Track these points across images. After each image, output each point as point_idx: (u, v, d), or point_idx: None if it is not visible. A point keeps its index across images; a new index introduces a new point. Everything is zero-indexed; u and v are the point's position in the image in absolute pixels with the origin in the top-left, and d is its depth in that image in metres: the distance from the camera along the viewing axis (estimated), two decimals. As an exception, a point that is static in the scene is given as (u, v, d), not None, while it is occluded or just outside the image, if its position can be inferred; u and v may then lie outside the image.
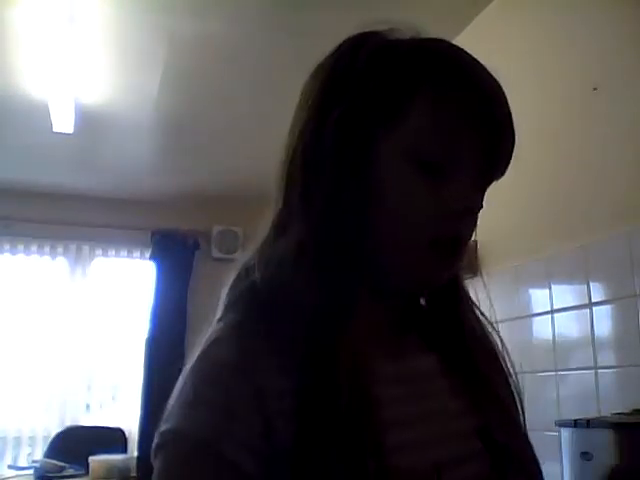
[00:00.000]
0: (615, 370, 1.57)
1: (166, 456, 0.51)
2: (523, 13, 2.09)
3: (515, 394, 0.65)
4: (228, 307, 0.60)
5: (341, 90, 0.59)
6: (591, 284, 1.66)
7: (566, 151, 1.81)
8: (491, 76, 0.60)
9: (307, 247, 0.57)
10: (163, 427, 0.52)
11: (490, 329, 0.67)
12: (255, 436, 0.49)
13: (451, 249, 0.58)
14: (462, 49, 0.62)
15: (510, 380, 0.66)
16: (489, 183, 0.63)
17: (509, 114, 0.60)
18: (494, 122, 0.59)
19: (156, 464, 0.51)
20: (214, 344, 0.55)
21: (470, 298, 0.68)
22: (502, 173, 0.63)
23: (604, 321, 1.62)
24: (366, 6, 2.14)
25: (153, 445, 0.52)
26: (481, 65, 0.61)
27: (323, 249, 0.56)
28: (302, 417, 0.50)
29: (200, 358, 0.54)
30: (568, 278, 1.76)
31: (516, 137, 0.61)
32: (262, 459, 0.49)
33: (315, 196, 0.58)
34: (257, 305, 0.57)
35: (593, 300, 1.64)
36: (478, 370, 0.64)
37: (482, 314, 0.68)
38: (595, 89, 1.69)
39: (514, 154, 0.62)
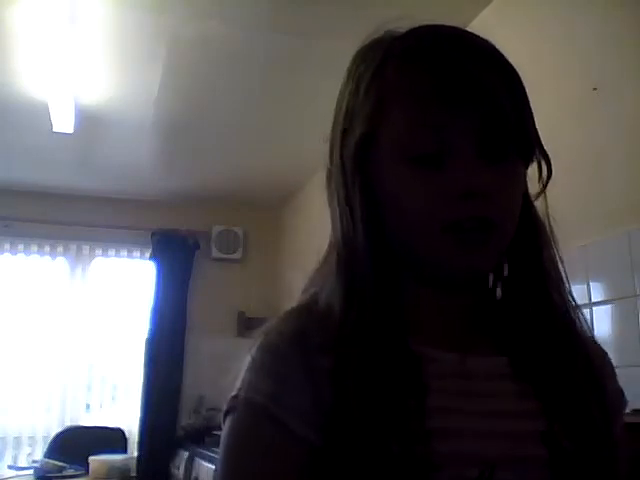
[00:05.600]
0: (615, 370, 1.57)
1: (230, 421, 0.58)
2: (523, 13, 2.09)
3: (601, 392, 0.62)
4: (302, 292, 0.67)
5: (345, 112, 0.64)
6: (591, 284, 1.66)
7: (566, 151, 1.81)
8: (465, 44, 0.61)
9: (340, 258, 0.62)
10: (232, 394, 0.59)
11: (580, 317, 0.66)
12: (306, 402, 0.55)
13: (472, 232, 0.58)
14: (437, 32, 0.64)
15: (595, 375, 0.63)
16: (505, 153, 0.60)
17: (494, 74, 0.60)
18: (475, 93, 0.58)
19: (224, 428, 0.59)
20: (279, 321, 0.62)
21: (559, 281, 0.66)
22: (516, 135, 0.60)
23: (604, 321, 1.62)
24: (366, 6, 2.14)
25: (223, 409, 0.60)
26: (455, 36, 0.62)
27: (350, 256, 0.61)
28: (341, 400, 0.55)
29: (265, 332, 0.61)
30: (568, 278, 1.76)
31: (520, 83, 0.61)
32: (311, 423, 0.55)
33: (337, 212, 0.63)
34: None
35: (593, 300, 1.64)
36: (553, 372, 0.61)
37: (574, 301, 0.66)
38: (595, 89, 1.69)
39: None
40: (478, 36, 0.63)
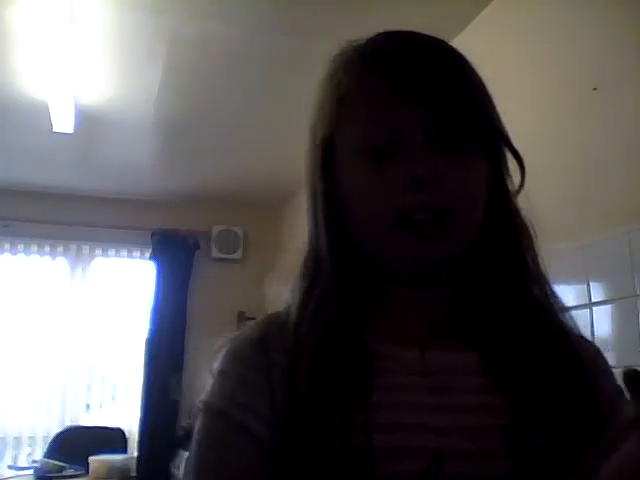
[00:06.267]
0: (615, 370, 1.57)
1: (197, 423, 0.62)
2: (523, 13, 2.09)
3: (587, 388, 0.61)
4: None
5: (312, 123, 0.68)
6: (591, 284, 1.66)
7: (566, 151, 1.81)
8: (416, 45, 0.62)
9: (304, 261, 0.66)
10: (200, 398, 0.62)
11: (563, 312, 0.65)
12: (264, 403, 0.58)
13: (425, 223, 0.58)
14: (391, 35, 0.65)
15: (581, 371, 0.61)
16: (461, 145, 0.61)
17: (444, 70, 0.61)
18: (423, 88, 0.59)
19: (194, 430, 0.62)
20: (247, 328, 0.65)
21: (539, 275, 0.65)
22: (469, 127, 0.61)
23: (604, 321, 1.62)
24: (366, 7, 2.14)
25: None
26: (407, 38, 0.64)
27: (312, 259, 0.65)
28: (290, 392, 0.57)
29: (232, 339, 0.64)
30: (568, 278, 1.76)
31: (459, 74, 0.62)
32: (268, 423, 0.57)
33: (308, 213, 0.68)
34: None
35: (593, 300, 1.64)
36: (524, 367, 0.60)
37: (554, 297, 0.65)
38: (595, 89, 1.69)
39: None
40: (433, 37, 0.65)
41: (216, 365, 0.62)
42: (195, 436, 0.61)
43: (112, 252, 4.56)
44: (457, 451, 0.55)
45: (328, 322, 0.61)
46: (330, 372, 0.58)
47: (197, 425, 0.61)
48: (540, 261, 0.66)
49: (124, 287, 4.55)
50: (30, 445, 4.14)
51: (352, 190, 0.62)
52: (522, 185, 0.68)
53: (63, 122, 3.15)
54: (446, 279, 0.65)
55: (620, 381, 0.51)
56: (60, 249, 4.45)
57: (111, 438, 3.85)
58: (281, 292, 0.68)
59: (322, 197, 0.65)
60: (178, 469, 3.59)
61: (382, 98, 0.60)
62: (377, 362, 0.59)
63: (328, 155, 0.64)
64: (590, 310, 1.64)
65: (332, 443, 0.54)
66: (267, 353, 0.60)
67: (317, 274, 0.64)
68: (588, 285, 1.66)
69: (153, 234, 4.43)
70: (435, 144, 0.59)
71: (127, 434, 4.00)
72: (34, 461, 3.69)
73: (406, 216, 0.58)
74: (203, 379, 0.64)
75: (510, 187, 0.67)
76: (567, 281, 1.78)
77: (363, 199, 0.61)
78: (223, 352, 0.63)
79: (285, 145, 3.62)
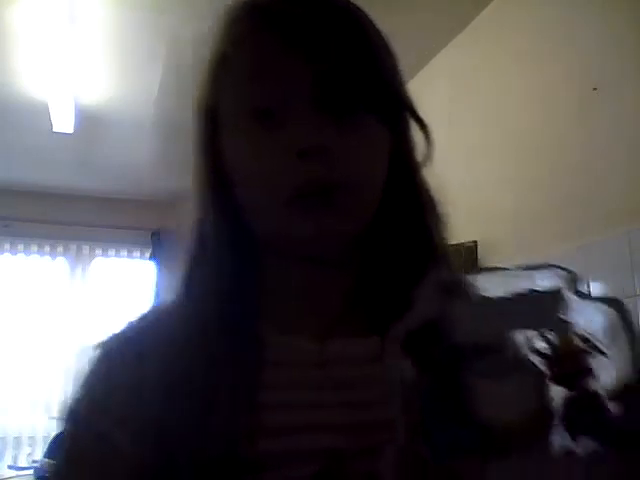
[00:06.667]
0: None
1: (63, 431, 0.55)
2: (523, 13, 2.09)
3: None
4: None
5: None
6: (591, 284, 1.66)
7: (566, 151, 1.81)
8: (310, 3, 0.55)
9: (194, 245, 0.59)
10: (66, 401, 0.56)
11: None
12: (132, 412, 0.50)
13: (313, 199, 0.52)
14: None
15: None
16: (352, 108, 0.54)
17: (337, 30, 0.53)
18: (309, 47, 0.52)
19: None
20: (123, 326, 0.60)
21: (446, 254, 0.58)
22: (361, 92, 0.54)
23: (604, 321, 1.62)
24: (365, 6, 2.14)
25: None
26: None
27: (197, 245, 0.58)
28: (168, 388, 0.50)
29: (105, 340, 0.59)
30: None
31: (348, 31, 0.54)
32: (140, 434, 0.49)
33: (192, 191, 0.60)
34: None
35: (593, 300, 1.64)
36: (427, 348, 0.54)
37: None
38: (595, 89, 1.69)
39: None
40: None
41: (86, 367, 0.56)
42: (61, 445, 0.54)
43: (112, 252, 4.56)
44: (357, 450, 0.49)
45: (212, 312, 0.54)
46: (210, 369, 0.51)
47: (64, 433, 0.55)
48: (446, 241, 0.59)
49: (124, 287, 4.55)
50: (30, 445, 4.14)
51: (237, 164, 0.55)
52: (429, 157, 0.60)
53: (63, 122, 3.15)
54: (349, 260, 0.58)
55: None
56: (60, 249, 4.45)
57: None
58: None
59: (206, 172, 0.57)
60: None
61: (266, 55, 0.54)
62: (269, 354, 0.53)
63: (213, 125, 0.57)
64: (590, 310, 1.64)
65: (211, 452, 0.47)
66: (141, 356, 0.53)
67: (204, 258, 0.57)
68: (588, 285, 1.66)
69: (153, 234, 4.43)
70: (325, 109, 0.53)
71: (127, 434, 4.00)
72: (34, 461, 3.69)
73: (295, 193, 0.52)
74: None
75: (418, 161, 0.60)
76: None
77: (248, 174, 0.54)
78: (96, 353, 0.57)
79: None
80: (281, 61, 0.53)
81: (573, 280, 0.46)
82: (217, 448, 0.47)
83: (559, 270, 0.46)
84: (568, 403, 0.39)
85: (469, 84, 2.33)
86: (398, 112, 0.58)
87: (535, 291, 0.43)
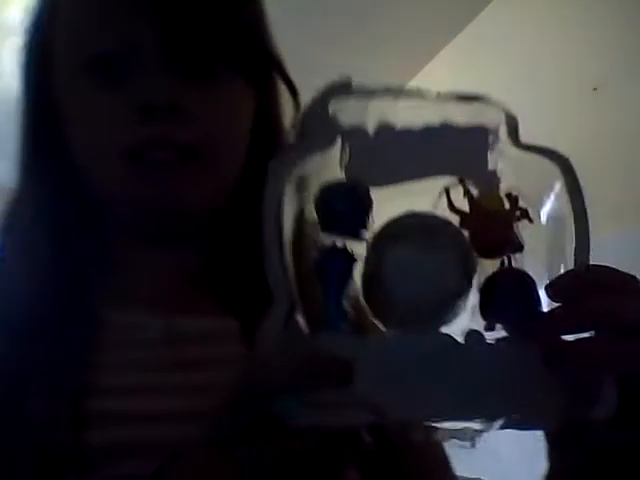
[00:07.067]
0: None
1: None
2: (523, 13, 2.09)
3: None
4: None
5: None
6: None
7: (565, 151, 1.81)
8: None
9: (16, 210, 0.51)
10: None
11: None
12: None
13: (159, 164, 0.46)
14: None
15: None
16: (209, 64, 0.48)
17: None
18: None
19: None
20: None
21: None
22: (221, 41, 0.48)
23: (604, 321, 1.62)
24: (365, 5, 2.14)
25: None
26: None
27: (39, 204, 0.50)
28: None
29: None
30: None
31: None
32: None
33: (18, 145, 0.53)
34: None
35: (593, 300, 1.64)
36: None
37: None
38: (595, 89, 1.69)
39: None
40: None
41: None
42: None
43: (112, 252, 4.56)
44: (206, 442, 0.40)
45: (41, 286, 0.47)
46: (34, 350, 0.44)
47: None
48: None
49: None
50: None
51: (71, 115, 0.48)
52: (298, 121, 0.51)
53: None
54: (203, 236, 0.52)
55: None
56: (60, 249, 4.45)
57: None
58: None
59: (35, 123, 0.51)
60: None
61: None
62: (107, 334, 0.46)
63: (45, 70, 0.51)
64: (590, 310, 1.64)
65: (24, 443, 0.40)
66: None
67: (34, 226, 0.49)
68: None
69: None
70: (177, 64, 0.46)
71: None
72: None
73: (137, 154, 0.45)
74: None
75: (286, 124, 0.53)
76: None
77: (84, 128, 0.48)
78: None
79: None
80: (127, 4, 0.46)
81: (513, 123, 0.34)
82: (32, 439, 0.40)
83: (497, 105, 0.35)
84: (486, 283, 0.32)
85: (469, 84, 2.33)
86: (265, 70, 0.52)
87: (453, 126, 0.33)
